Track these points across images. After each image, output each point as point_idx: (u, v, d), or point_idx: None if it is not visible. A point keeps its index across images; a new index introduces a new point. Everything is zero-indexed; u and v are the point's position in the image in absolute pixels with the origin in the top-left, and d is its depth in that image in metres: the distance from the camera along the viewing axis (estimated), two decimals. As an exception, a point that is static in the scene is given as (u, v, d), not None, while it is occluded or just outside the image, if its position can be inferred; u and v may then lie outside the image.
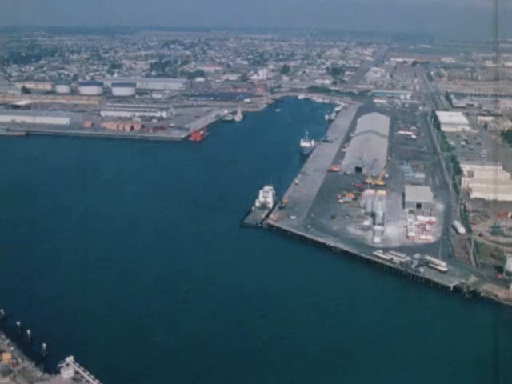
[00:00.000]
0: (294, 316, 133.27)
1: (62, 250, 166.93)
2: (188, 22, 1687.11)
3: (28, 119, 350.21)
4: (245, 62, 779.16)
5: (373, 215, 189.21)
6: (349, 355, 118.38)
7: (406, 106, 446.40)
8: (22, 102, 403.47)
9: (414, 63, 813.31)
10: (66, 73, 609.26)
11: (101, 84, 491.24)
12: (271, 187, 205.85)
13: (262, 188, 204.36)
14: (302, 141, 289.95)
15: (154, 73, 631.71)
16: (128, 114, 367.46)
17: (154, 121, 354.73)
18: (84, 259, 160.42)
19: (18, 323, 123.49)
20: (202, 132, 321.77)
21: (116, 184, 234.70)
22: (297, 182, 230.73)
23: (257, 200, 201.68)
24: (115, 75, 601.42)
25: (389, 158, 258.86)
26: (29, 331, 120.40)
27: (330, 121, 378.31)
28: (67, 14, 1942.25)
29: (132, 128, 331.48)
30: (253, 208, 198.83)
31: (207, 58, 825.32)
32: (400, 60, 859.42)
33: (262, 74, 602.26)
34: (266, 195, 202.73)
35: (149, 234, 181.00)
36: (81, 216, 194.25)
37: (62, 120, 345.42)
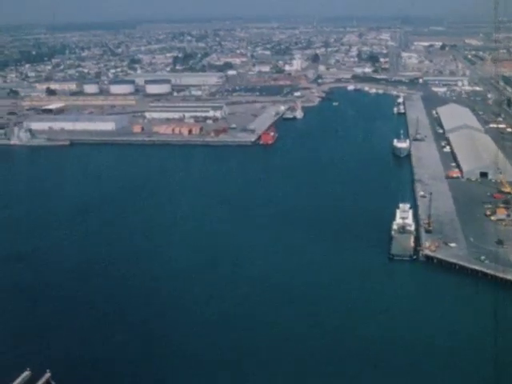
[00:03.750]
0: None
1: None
2: (187, 13, 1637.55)
3: (67, 125, 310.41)
4: (267, 52, 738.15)
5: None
6: None
7: (471, 93, 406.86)
8: (54, 106, 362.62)
9: (443, 47, 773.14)
10: (85, 71, 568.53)
11: (132, 82, 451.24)
12: (408, 205, 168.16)
13: (397, 207, 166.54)
14: (395, 141, 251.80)
15: (178, 67, 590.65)
16: (177, 115, 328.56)
17: (209, 121, 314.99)
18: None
19: None
20: (272, 134, 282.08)
21: (214, 204, 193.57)
22: (422, 193, 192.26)
23: (394, 222, 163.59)
24: (139, 71, 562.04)
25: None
26: None
27: (400, 114, 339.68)
28: (62, 9, 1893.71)
29: (190, 131, 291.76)
30: (393, 233, 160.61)
31: (226, 50, 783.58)
32: (425, 44, 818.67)
33: (297, 64, 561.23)
34: (405, 215, 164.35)
35: (281, 274, 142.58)
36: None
37: (108, 125, 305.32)
